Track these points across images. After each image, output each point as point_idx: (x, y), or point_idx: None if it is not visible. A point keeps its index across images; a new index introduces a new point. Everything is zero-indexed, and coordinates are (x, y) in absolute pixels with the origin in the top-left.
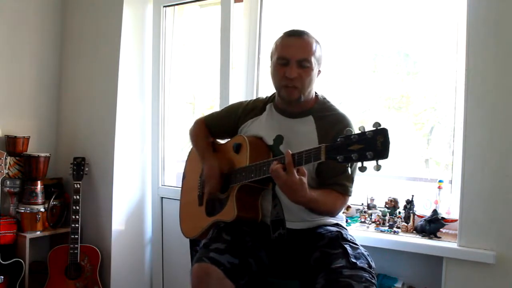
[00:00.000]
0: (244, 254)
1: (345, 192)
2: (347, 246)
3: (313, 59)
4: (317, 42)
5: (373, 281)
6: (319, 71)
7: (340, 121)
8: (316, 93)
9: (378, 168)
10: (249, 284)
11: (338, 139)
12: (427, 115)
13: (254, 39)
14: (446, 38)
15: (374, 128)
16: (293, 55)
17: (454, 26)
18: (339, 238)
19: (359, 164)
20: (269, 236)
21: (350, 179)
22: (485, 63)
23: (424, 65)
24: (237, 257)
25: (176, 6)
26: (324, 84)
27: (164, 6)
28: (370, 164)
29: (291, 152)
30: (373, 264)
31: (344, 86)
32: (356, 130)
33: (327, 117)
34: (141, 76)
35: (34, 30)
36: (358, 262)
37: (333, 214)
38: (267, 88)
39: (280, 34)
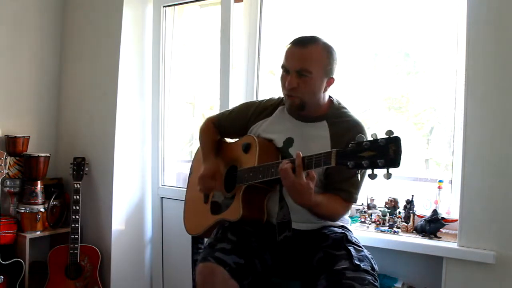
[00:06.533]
0: (250, 255)
1: (349, 199)
2: (351, 248)
3: (315, 69)
4: (328, 50)
5: (376, 284)
6: (331, 79)
7: (354, 127)
8: (331, 98)
9: (388, 176)
10: (252, 284)
11: (350, 145)
12: (427, 115)
13: (254, 39)
14: (446, 38)
15: (387, 136)
16: (292, 65)
17: (454, 26)
18: (344, 240)
19: (369, 171)
20: (274, 237)
21: (356, 185)
22: (485, 63)
23: (424, 65)
24: (242, 257)
25: (176, 6)
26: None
27: (164, 6)
28: (380, 172)
29: (301, 155)
30: (376, 267)
31: (344, 86)
32: (369, 137)
33: (342, 123)
34: (141, 76)
35: (34, 30)
36: (361, 265)
37: (334, 219)
38: (267, 88)
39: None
